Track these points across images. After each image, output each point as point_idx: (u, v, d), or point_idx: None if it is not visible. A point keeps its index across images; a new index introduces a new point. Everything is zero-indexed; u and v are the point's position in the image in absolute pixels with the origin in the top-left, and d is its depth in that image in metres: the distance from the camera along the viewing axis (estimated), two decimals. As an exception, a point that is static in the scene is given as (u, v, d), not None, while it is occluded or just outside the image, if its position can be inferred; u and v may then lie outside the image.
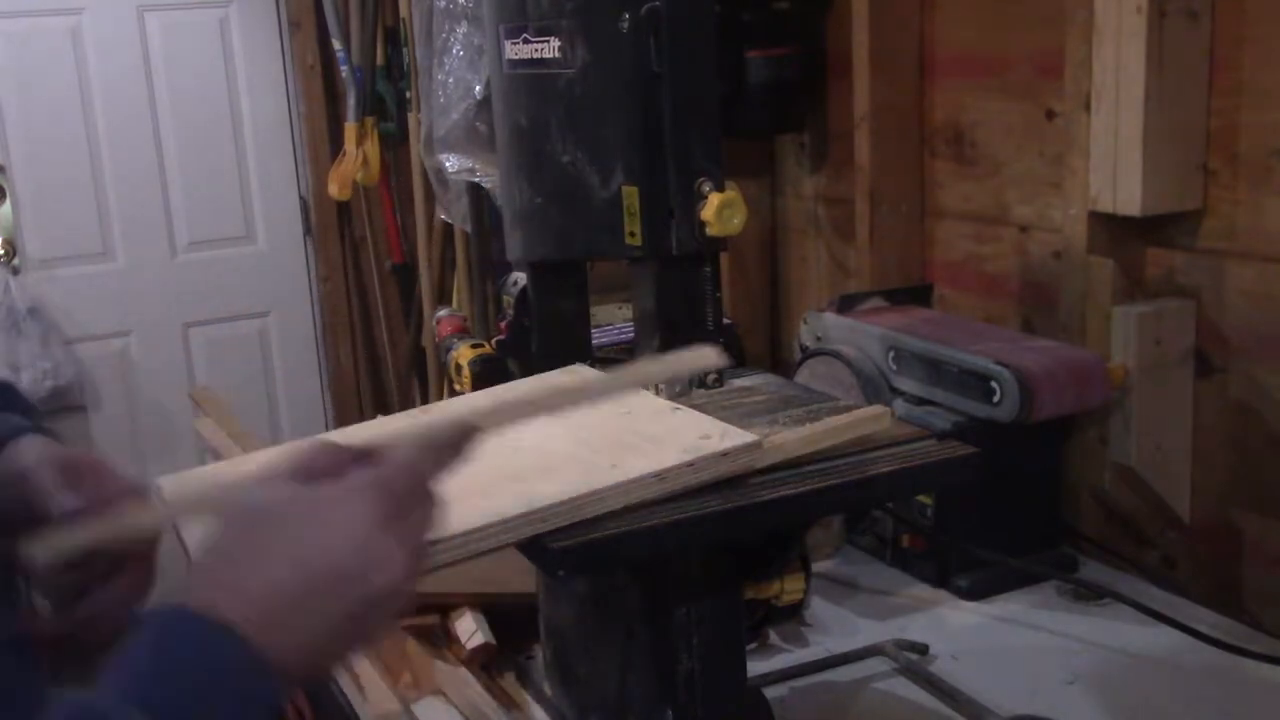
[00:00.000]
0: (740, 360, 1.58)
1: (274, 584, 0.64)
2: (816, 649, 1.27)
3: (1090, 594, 1.34)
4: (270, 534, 0.66)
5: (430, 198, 2.53)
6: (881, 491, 1.07)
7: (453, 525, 0.85)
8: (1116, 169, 1.35)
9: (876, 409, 1.02)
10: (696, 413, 1.03)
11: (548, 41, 1.10)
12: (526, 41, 1.12)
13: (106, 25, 3.03)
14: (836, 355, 1.48)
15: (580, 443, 0.99)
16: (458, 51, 2.07)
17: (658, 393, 1.10)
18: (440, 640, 1.25)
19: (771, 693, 1.16)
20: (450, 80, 2.06)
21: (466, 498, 0.90)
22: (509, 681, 1.22)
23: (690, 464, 0.92)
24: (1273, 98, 1.27)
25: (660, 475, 0.91)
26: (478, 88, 2.01)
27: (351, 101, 3.05)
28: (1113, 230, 1.41)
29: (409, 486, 0.70)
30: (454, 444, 0.73)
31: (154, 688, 0.59)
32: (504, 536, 0.86)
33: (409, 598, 0.68)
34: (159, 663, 0.60)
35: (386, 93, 3.07)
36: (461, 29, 2.06)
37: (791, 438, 0.97)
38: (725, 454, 0.93)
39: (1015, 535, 1.38)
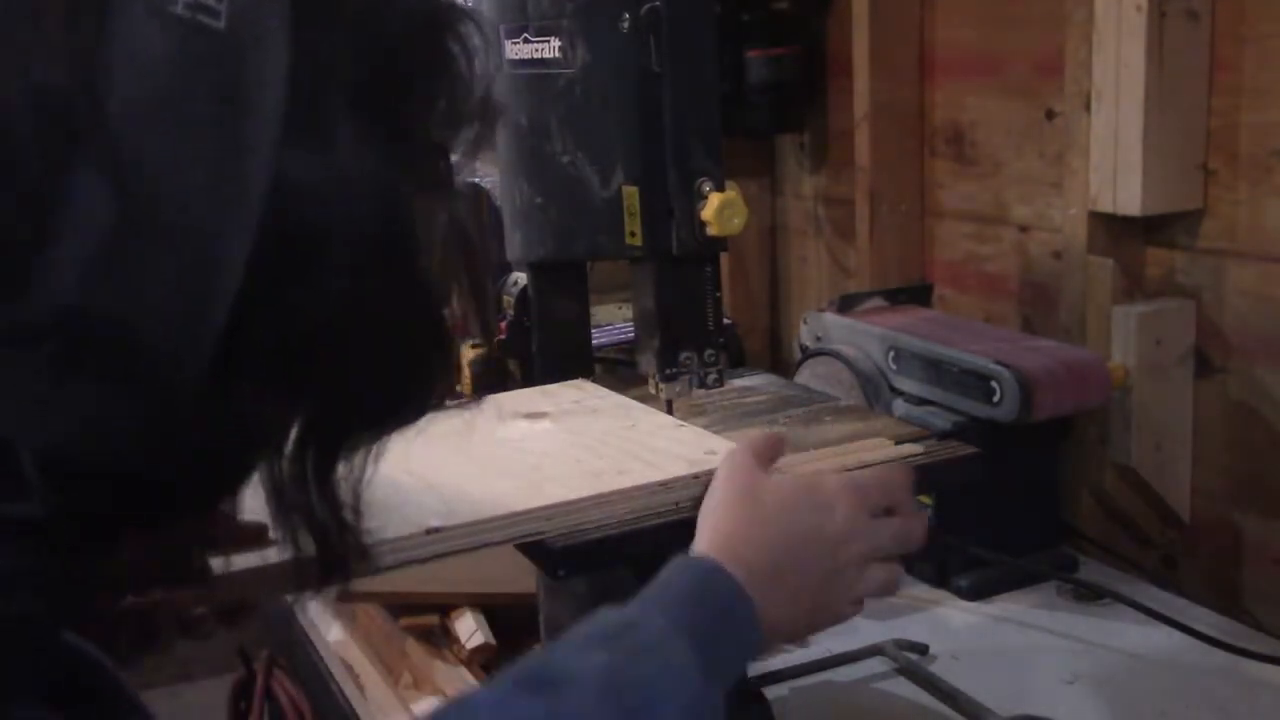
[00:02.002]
0: (740, 360, 1.58)
1: (770, 548, 0.80)
2: (816, 649, 1.26)
3: (1090, 594, 1.34)
4: (772, 515, 0.82)
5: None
6: (882, 491, 1.07)
7: (457, 516, 0.85)
8: (1116, 169, 1.35)
9: (881, 440, 1.02)
10: (701, 429, 1.04)
11: (548, 41, 1.10)
12: (527, 41, 1.12)
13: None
14: (836, 355, 1.48)
15: (587, 450, 0.99)
16: (458, 51, 2.07)
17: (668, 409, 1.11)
18: (440, 640, 1.25)
19: (771, 693, 1.15)
20: (450, 80, 2.07)
21: (472, 491, 0.90)
22: (509, 681, 1.22)
23: (696, 476, 0.92)
24: (1273, 98, 1.27)
25: (666, 484, 0.91)
26: (478, 88, 2.01)
27: (351, 101, 3.05)
28: (1113, 230, 1.41)
29: (876, 490, 0.86)
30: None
31: (687, 613, 0.74)
32: (508, 531, 0.87)
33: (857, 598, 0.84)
34: (692, 597, 0.76)
35: (386, 93, 3.08)
36: (461, 29, 2.06)
37: (797, 462, 0.98)
38: None
39: (1015, 535, 1.38)
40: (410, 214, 0.56)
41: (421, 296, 0.59)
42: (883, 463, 0.98)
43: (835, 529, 0.83)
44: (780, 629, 0.80)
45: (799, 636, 0.84)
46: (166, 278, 0.49)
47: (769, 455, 0.88)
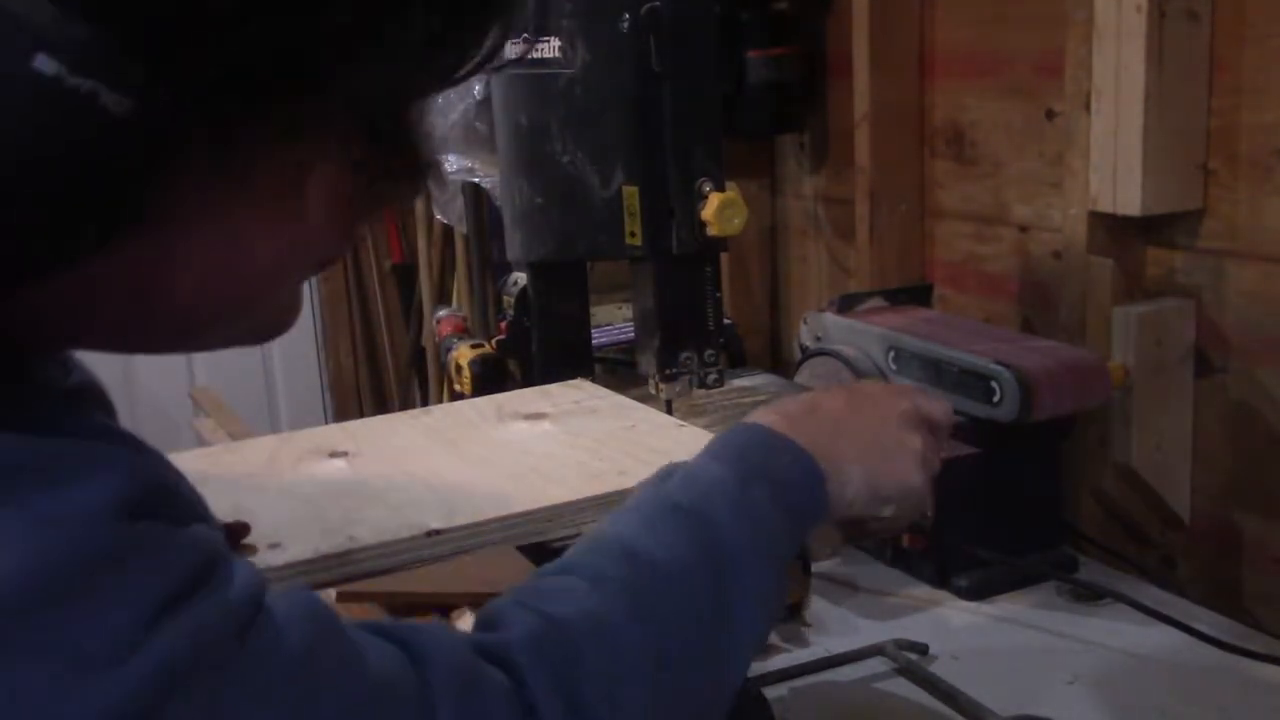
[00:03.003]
0: (740, 360, 1.58)
1: (828, 417, 0.80)
2: (816, 649, 1.26)
3: (1090, 594, 1.34)
4: (829, 401, 0.83)
5: (431, 197, 2.53)
6: (882, 492, 1.07)
7: (458, 518, 0.85)
8: (1116, 169, 1.35)
9: None
10: (701, 430, 1.04)
11: (548, 41, 1.10)
12: (527, 41, 1.12)
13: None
14: (836, 355, 1.48)
15: (587, 451, 0.99)
16: (457, 51, 2.07)
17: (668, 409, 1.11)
18: (440, 640, 1.25)
19: (771, 693, 1.15)
20: (450, 80, 2.06)
21: (472, 492, 0.90)
22: (509, 682, 1.22)
23: None
24: (1273, 98, 1.27)
25: None
26: (477, 88, 2.01)
27: (351, 101, 3.05)
28: (1113, 230, 1.41)
29: (927, 401, 0.87)
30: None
31: (734, 453, 0.75)
32: (508, 532, 0.87)
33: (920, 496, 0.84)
34: (736, 443, 0.76)
35: (387, 92, 3.07)
36: (461, 29, 2.06)
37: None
38: None
39: (1015, 535, 1.38)
40: None
41: None
42: None
43: (891, 405, 0.84)
44: (848, 472, 0.79)
45: (869, 485, 0.81)
46: None
47: None
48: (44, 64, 0.41)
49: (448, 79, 0.56)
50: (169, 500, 0.50)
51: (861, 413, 0.82)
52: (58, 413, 0.51)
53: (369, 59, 0.50)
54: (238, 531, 0.83)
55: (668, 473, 0.75)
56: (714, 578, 0.68)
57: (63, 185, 0.43)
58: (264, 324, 0.59)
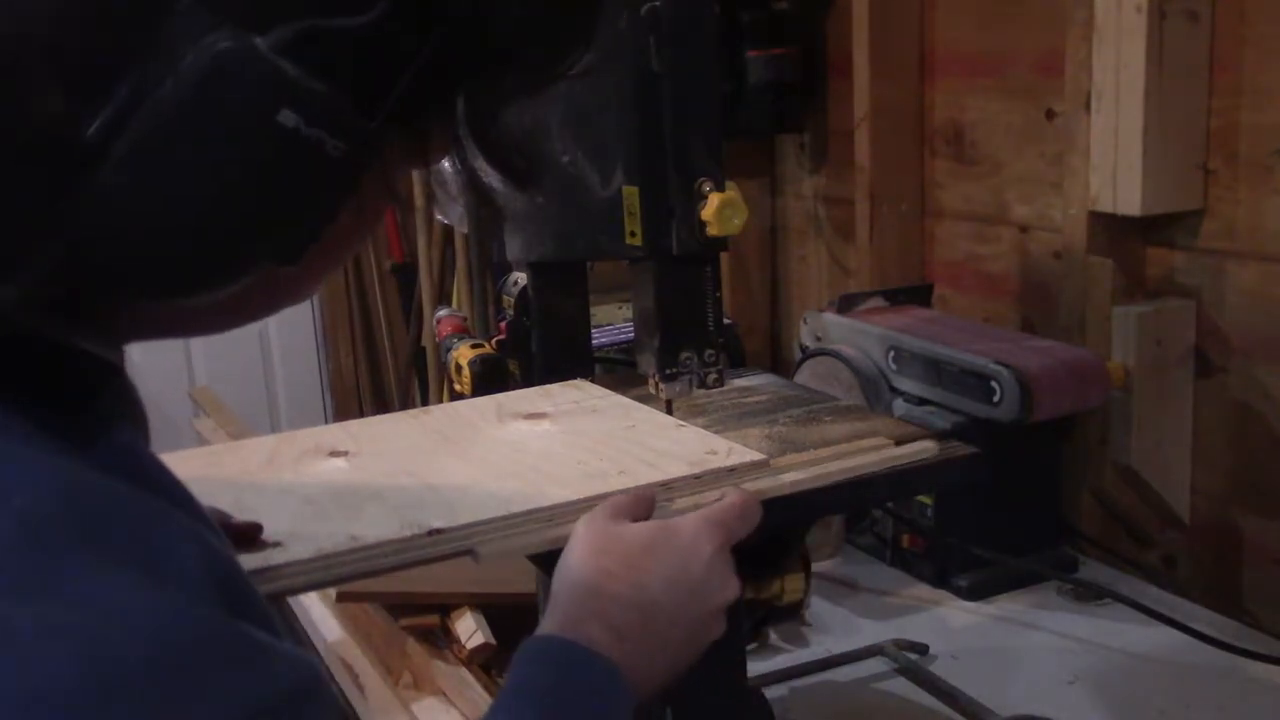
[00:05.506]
0: (740, 360, 1.58)
1: (635, 603, 0.74)
2: (816, 649, 1.27)
3: (1090, 594, 1.34)
4: (634, 561, 0.76)
5: (431, 197, 2.53)
6: (881, 491, 1.07)
7: (459, 517, 0.85)
8: (1116, 169, 1.35)
9: (881, 440, 1.01)
10: (701, 430, 1.04)
11: (548, 42, 1.10)
12: (527, 42, 1.11)
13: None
14: (836, 355, 1.48)
15: (587, 451, 0.99)
16: (458, 51, 2.07)
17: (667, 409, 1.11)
18: (440, 640, 1.25)
19: (771, 693, 1.16)
20: (450, 80, 2.06)
21: (473, 492, 0.90)
22: (509, 681, 1.22)
23: (697, 477, 0.92)
24: (1273, 98, 1.27)
25: (666, 485, 0.91)
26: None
27: (351, 101, 3.05)
28: (1113, 230, 1.41)
29: (736, 521, 0.82)
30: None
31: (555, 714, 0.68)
32: (509, 532, 0.86)
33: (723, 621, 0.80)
34: (559, 692, 0.69)
35: (387, 92, 3.07)
36: (461, 29, 2.06)
37: (797, 462, 0.97)
38: (733, 470, 0.93)
39: (1015, 535, 1.38)
40: None
41: None
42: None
43: (701, 571, 0.78)
44: (654, 680, 0.75)
45: (669, 681, 0.77)
46: None
47: (632, 513, 0.82)
48: (286, 117, 0.49)
49: (540, 88, 0.65)
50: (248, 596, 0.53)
51: (685, 609, 0.77)
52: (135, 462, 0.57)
53: (489, 79, 0.59)
54: (249, 532, 0.83)
55: None
56: None
57: (287, 208, 0.52)
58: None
